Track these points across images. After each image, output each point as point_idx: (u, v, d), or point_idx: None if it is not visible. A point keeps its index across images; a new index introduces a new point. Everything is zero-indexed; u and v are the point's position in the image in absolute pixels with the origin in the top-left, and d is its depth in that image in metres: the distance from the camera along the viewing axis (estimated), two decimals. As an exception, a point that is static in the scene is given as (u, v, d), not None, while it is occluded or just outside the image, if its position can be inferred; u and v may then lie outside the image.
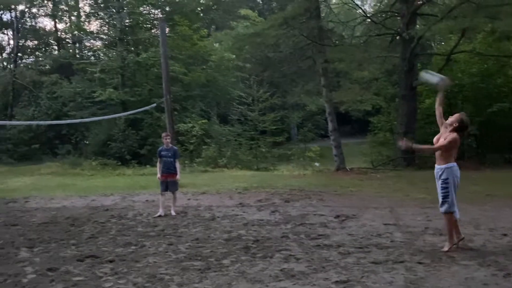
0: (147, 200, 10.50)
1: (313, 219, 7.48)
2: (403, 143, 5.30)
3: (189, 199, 10.34)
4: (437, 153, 5.26)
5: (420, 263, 4.76)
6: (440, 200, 5.22)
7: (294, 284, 4.33)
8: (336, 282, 4.30)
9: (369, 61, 16.13)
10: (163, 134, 9.06)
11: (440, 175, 5.20)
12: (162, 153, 8.66)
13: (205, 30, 26.61)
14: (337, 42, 17.64)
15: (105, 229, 7.38)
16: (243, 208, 8.89)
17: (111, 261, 5.34)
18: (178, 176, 8.72)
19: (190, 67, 25.04)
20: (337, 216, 7.58)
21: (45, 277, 4.84)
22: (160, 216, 8.24)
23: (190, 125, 21.32)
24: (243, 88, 23.60)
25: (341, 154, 16.40)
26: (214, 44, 25.65)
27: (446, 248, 5.16)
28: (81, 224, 7.84)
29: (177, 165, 8.75)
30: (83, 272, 4.95)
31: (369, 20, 17.61)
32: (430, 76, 5.83)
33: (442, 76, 5.81)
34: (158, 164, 8.70)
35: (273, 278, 4.52)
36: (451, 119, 5.20)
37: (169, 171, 8.61)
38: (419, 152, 11.55)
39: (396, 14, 16.63)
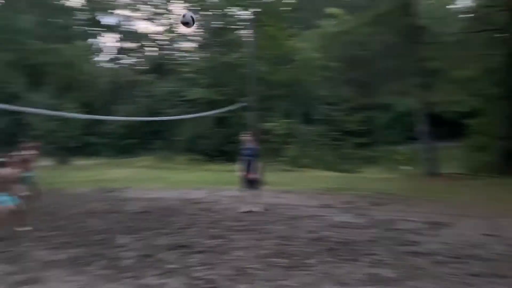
0: (233, 196, 10.79)
1: (402, 225, 7.14)
2: None
3: (273, 197, 10.44)
4: None
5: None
6: None
7: (384, 290, 4.18)
8: (430, 292, 4.07)
9: (468, 60, 14.97)
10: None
11: None
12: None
13: (292, 30, 26.66)
14: (431, 40, 16.58)
15: (194, 220, 7.74)
16: (327, 209, 8.78)
17: (200, 252, 5.58)
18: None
19: (275, 66, 25.27)
20: (429, 223, 7.16)
21: (141, 262, 5.19)
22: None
23: (274, 124, 21.52)
24: (328, 88, 23.28)
25: (433, 158, 15.45)
26: (300, 44, 25.61)
27: None
28: (172, 215, 8.30)
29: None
30: (175, 261, 5.23)
31: (468, 15, 16.34)
32: None
33: None
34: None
35: (360, 281, 4.41)
36: None
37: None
38: None
39: (500, 9, 15.23)
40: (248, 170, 8.65)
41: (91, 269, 4.95)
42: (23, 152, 7.44)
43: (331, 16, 21.81)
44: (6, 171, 6.62)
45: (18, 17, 36.20)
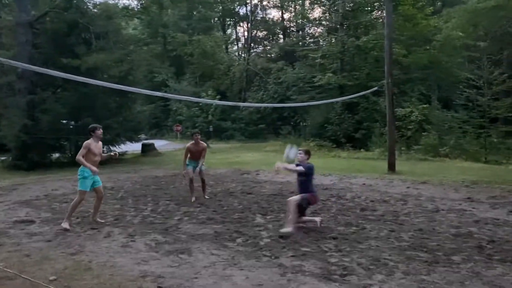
0: (364, 184, 10.54)
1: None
2: None
3: (408, 187, 9.91)
4: None
5: None
6: None
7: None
8: None
9: None
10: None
11: None
12: None
13: (431, 8, 24.59)
14: None
15: (326, 207, 7.76)
16: (472, 203, 7.99)
17: (334, 238, 5.58)
18: None
19: (411, 48, 23.69)
20: None
21: (278, 243, 5.40)
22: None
23: (408, 109, 20.29)
24: (472, 70, 20.99)
25: None
26: (440, 23, 23.50)
27: None
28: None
29: None
30: (309, 244, 5.32)
31: None
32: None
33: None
34: None
35: (515, 286, 3.94)
36: None
37: None
38: None
39: None
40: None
41: (233, 245, 5.33)
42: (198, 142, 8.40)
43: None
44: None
45: (164, 12, 40.17)
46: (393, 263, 4.59)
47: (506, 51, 15.86)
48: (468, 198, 8.49)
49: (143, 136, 23.51)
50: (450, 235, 5.74)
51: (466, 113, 21.24)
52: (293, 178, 11.51)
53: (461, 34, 20.87)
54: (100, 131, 6.45)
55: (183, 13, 39.51)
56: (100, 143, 6.54)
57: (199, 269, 4.46)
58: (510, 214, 7.05)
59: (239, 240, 5.55)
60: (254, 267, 4.52)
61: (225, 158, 18.18)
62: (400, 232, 5.92)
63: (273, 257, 4.83)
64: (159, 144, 25.23)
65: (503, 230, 5.99)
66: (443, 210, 7.40)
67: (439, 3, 28.35)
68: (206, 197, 8.63)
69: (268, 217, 6.96)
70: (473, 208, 7.55)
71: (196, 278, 4.21)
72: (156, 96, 9.61)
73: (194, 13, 40.14)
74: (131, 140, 18.28)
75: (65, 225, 6.17)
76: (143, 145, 21.07)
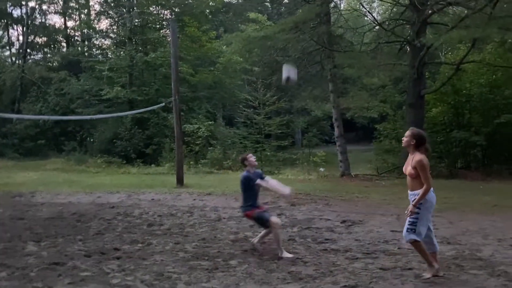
0: (152, 199, 10.50)
1: (319, 224, 7.46)
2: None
3: (194, 199, 10.34)
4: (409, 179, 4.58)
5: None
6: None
7: (303, 287, 4.32)
8: (344, 286, 4.29)
9: (378, 68, 16.08)
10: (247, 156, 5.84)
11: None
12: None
13: (214, 32, 26.67)
14: (346, 48, 17.61)
15: (111, 226, 7.39)
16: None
17: (118, 258, 5.35)
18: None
19: (197, 68, 25.11)
20: (344, 221, 7.56)
21: (52, 271, 4.84)
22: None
23: (196, 126, 21.34)
24: (249, 91, 23.64)
25: (346, 160, 16.36)
26: (222, 47, 25.72)
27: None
28: (87, 220, 7.85)
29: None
30: (90, 268, 4.96)
31: (378, 27, 17.60)
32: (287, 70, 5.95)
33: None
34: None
35: (281, 280, 4.52)
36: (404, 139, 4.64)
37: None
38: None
39: (406, 22, 16.62)
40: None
41: (-6, 282, 4.51)
42: None
43: (253, 20, 22.19)
44: None
45: None
46: (176, 275, 4.67)
47: (274, 76, 18.45)
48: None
49: None
50: (229, 241, 6.21)
51: (245, 129, 23.69)
52: (76, 198, 10.65)
53: (240, 59, 23.25)
54: None
55: None
56: None
57: None
58: (278, 217, 8.09)
59: (2, 274, 4.73)
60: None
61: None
62: (185, 243, 6.09)
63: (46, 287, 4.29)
64: None
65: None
66: (224, 218, 7.98)
67: (221, 28, 30.94)
68: None
69: (42, 243, 6.17)
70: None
71: None
72: None
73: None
74: None
75: None
76: None
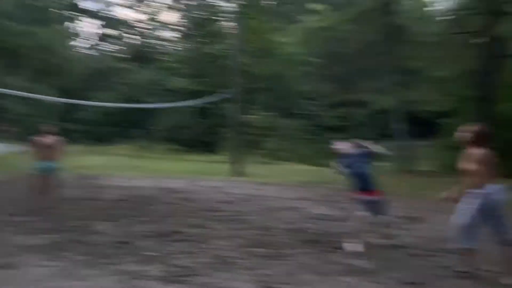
0: (212, 186, 10.82)
1: (379, 219, 7.30)
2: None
3: (252, 188, 10.53)
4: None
5: (494, 272, 4.51)
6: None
7: (361, 280, 4.29)
8: (404, 283, 4.21)
9: (444, 60, 15.32)
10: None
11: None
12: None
13: (275, 24, 26.69)
14: (410, 39, 16.90)
15: (173, 209, 7.73)
16: (306, 202, 8.90)
17: (179, 241, 5.59)
18: None
19: (258, 59, 25.29)
20: (404, 217, 7.36)
21: (118, 249, 5.16)
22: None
23: (255, 117, 21.58)
24: (308, 83, 23.47)
25: (407, 155, 15.82)
26: (283, 38, 25.68)
27: None
28: (151, 203, 8.26)
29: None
30: (153, 248, 5.22)
31: (447, 17, 16.72)
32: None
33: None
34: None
35: (338, 272, 4.51)
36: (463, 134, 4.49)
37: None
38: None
39: (478, 12, 15.62)
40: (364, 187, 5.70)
41: (69, 255, 4.90)
42: (46, 138, 7.35)
43: (314, 11, 21.94)
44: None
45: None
46: (235, 260, 4.80)
47: (334, 68, 18.25)
48: (302, 197, 9.43)
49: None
50: (286, 230, 6.29)
51: (303, 121, 23.60)
52: (141, 182, 11.22)
53: (299, 50, 23.14)
54: None
55: (20, 0, 35.01)
56: None
57: (30, 282, 3.99)
58: (336, 209, 8.04)
59: (76, 249, 5.13)
60: (93, 276, 4.24)
61: (65, 162, 16.62)
62: (243, 230, 6.24)
63: (113, 264, 4.60)
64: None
65: (330, 224, 6.79)
66: (281, 208, 8.06)
67: (283, 20, 30.92)
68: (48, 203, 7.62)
69: (110, 223, 6.60)
70: (307, 206, 8.42)
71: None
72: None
73: (32, 1, 35.93)
74: None
75: None
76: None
